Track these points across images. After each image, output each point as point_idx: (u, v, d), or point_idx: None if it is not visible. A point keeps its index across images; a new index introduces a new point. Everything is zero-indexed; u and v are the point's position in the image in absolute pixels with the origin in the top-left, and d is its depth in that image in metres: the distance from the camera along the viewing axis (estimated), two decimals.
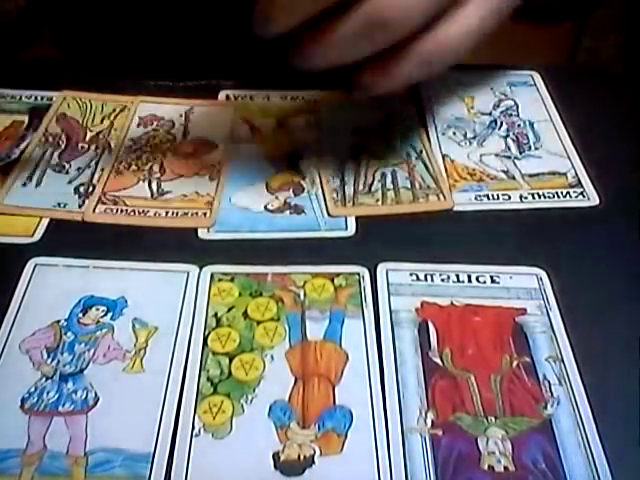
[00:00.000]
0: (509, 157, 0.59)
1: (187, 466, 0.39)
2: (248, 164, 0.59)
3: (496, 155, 0.60)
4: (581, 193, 0.56)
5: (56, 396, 0.42)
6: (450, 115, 0.64)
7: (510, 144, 0.61)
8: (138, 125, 0.63)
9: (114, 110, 0.64)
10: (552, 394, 0.42)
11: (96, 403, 0.42)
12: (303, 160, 0.59)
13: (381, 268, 0.49)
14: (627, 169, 0.58)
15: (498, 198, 0.55)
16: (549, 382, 0.43)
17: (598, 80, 0.69)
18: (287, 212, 0.55)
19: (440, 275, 0.49)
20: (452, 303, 0.47)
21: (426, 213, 0.55)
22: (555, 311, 0.47)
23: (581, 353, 0.44)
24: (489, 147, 0.61)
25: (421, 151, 0.60)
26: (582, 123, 0.62)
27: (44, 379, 0.43)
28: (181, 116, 0.64)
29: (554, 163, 0.59)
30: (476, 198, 0.55)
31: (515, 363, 0.44)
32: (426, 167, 0.58)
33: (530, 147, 0.60)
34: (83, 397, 0.42)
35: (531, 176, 0.58)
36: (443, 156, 0.59)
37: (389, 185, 0.57)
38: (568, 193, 0.56)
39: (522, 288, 0.48)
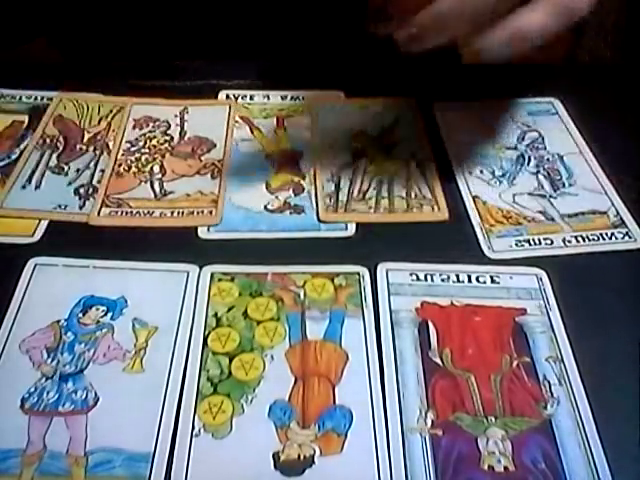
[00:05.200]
0: (544, 196, 0.56)
1: (187, 466, 0.39)
2: (248, 164, 0.59)
3: (530, 194, 0.56)
4: (626, 234, 0.53)
5: (56, 396, 0.42)
6: (474, 151, 0.61)
7: (542, 181, 0.57)
8: (133, 127, 0.62)
9: (111, 111, 0.64)
10: (552, 394, 0.42)
11: (96, 403, 0.42)
12: (303, 160, 0.59)
13: (381, 268, 0.49)
14: None
15: (540, 243, 0.52)
16: (549, 382, 0.43)
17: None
18: (287, 212, 0.55)
19: (440, 275, 0.49)
20: (452, 303, 0.47)
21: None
22: (555, 311, 0.47)
23: (581, 353, 0.44)
24: (521, 186, 0.57)
25: (421, 160, 0.59)
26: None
27: (44, 379, 0.43)
28: (176, 116, 0.64)
29: (592, 200, 0.56)
30: (517, 244, 0.52)
31: (515, 363, 0.44)
32: (424, 177, 0.58)
33: (564, 184, 0.57)
34: (83, 397, 0.42)
35: (570, 216, 0.54)
36: (473, 198, 0.56)
37: (384, 193, 0.56)
38: (613, 234, 0.53)
39: (522, 288, 0.48)
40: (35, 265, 0.49)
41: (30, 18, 0.76)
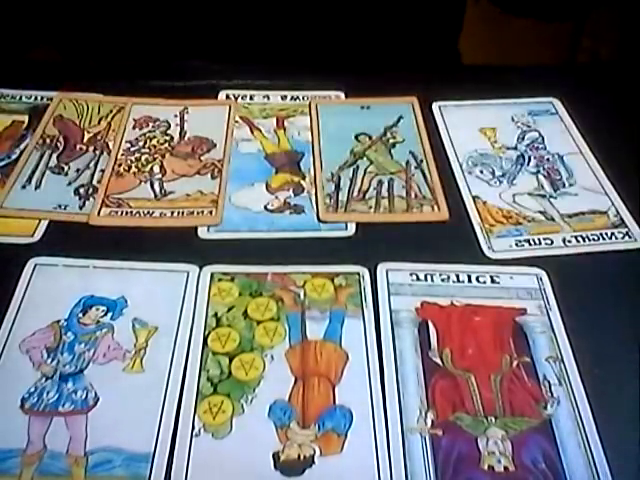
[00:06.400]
0: (544, 196, 0.56)
1: (187, 466, 0.39)
2: (248, 164, 0.59)
3: (530, 194, 0.56)
4: (626, 234, 0.53)
5: (56, 396, 0.42)
6: (474, 151, 0.61)
7: (542, 181, 0.57)
8: (133, 127, 0.63)
9: (111, 111, 0.64)
10: (552, 394, 0.42)
11: (96, 403, 0.42)
12: (303, 160, 0.59)
13: (381, 268, 0.49)
14: None
15: (540, 243, 0.52)
16: (549, 382, 0.43)
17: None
18: (287, 212, 0.55)
19: (440, 275, 0.49)
20: (452, 303, 0.47)
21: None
22: (555, 311, 0.47)
23: (581, 353, 0.44)
24: (521, 186, 0.57)
25: (422, 160, 0.59)
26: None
27: (44, 379, 0.43)
28: (175, 116, 0.64)
29: (592, 200, 0.56)
30: (517, 244, 0.52)
31: (515, 363, 0.44)
32: (424, 177, 0.58)
33: (564, 184, 0.57)
34: (83, 397, 0.42)
35: (570, 216, 0.54)
36: (474, 198, 0.56)
37: (384, 193, 0.56)
38: (613, 234, 0.53)
39: (522, 288, 0.48)
40: (35, 265, 0.49)
41: (33, 23, 0.76)
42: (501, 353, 0.45)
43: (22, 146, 0.60)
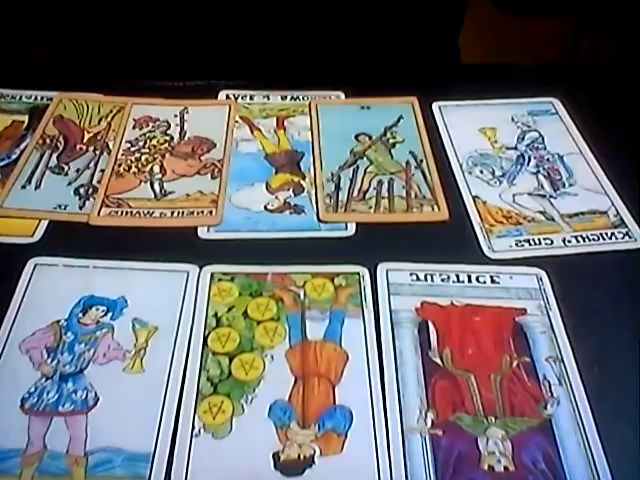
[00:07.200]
0: (544, 196, 0.56)
1: (187, 466, 0.39)
2: (248, 164, 0.59)
3: (530, 194, 0.56)
4: (626, 234, 0.53)
5: (56, 396, 0.42)
6: (474, 151, 0.61)
7: (542, 181, 0.57)
8: (133, 127, 0.63)
9: (111, 111, 0.64)
10: (552, 394, 0.42)
11: (96, 403, 0.42)
12: (303, 160, 0.59)
13: (381, 268, 0.49)
14: None
15: (540, 243, 0.52)
16: (549, 382, 0.43)
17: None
18: (287, 212, 0.55)
19: (440, 275, 0.49)
20: (452, 303, 0.47)
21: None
22: (555, 311, 0.47)
23: (581, 353, 0.44)
24: (521, 186, 0.57)
25: (422, 160, 0.59)
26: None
27: (44, 379, 0.43)
28: (175, 116, 0.64)
29: (592, 200, 0.56)
30: (517, 244, 0.52)
31: (515, 363, 0.44)
32: (424, 177, 0.58)
33: (564, 184, 0.57)
34: (83, 397, 0.42)
35: (570, 216, 0.54)
36: (473, 198, 0.56)
37: (384, 193, 0.56)
38: (613, 234, 0.53)
39: (522, 288, 0.48)
40: (35, 265, 0.49)
41: (35, 23, 0.76)
42: (501, 353, 0.45)
43: (22, 146, 0.60)
